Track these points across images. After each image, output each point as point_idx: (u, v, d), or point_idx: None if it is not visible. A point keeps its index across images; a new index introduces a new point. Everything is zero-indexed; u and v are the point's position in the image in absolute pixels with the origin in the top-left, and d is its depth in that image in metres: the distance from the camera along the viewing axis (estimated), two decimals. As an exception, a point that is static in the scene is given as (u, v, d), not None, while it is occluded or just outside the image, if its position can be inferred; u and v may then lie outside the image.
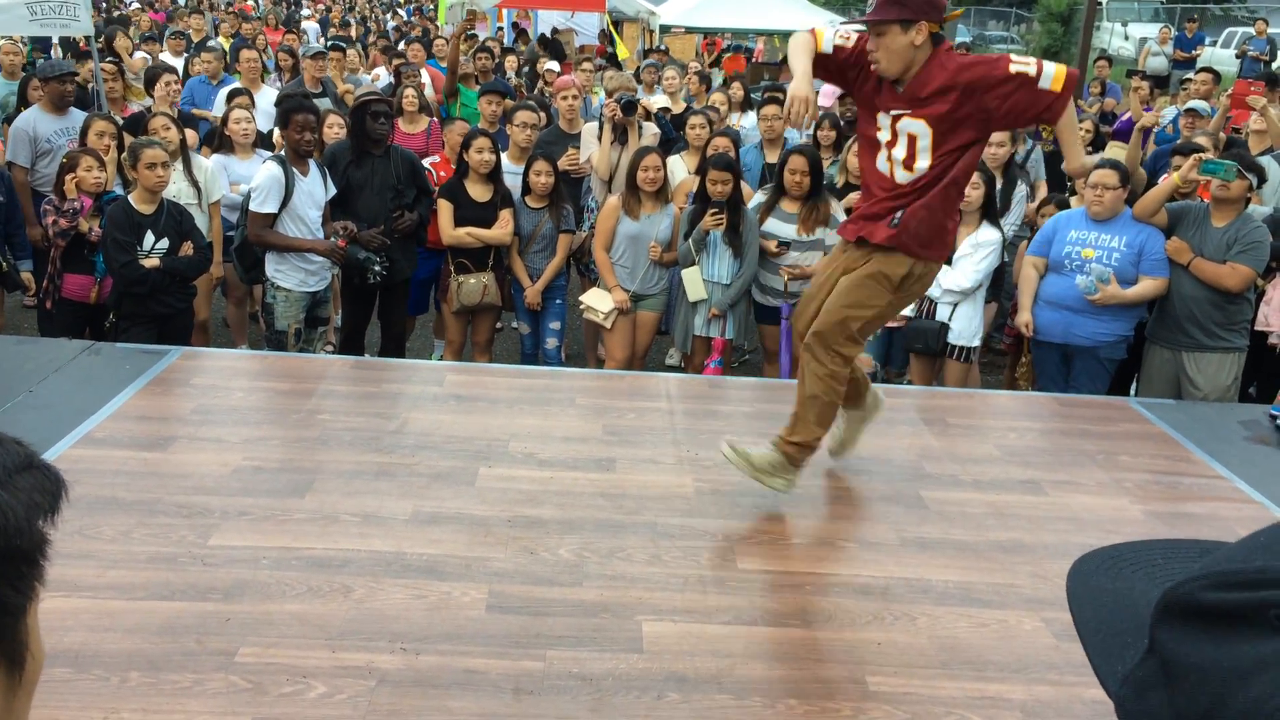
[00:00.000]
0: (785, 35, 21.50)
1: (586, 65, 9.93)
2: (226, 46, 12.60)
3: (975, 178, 5.58)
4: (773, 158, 6.88)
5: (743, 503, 3.81)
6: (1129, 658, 0.67)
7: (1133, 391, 5.74)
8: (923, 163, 3.46)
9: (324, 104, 7.60)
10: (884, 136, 3.52)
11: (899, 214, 3.49)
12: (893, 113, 3.48)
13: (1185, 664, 0.62)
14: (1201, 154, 5.50)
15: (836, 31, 3.60)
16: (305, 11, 25.57)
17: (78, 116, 7.00)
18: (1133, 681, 0.66)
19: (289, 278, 5.64)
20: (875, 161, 3.58)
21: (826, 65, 3.59)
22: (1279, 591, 0.60)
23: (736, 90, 8.98)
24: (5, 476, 0.81)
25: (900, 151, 3.49)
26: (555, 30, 18.79)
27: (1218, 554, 0.67)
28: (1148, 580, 0.72)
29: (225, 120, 6.81)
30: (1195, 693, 0.61)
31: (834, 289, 3.63)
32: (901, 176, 3.51)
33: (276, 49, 11.68)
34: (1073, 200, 6.42)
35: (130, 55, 10.84)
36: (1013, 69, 3.34)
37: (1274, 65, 16.08)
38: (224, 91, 8.38)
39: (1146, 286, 5.29)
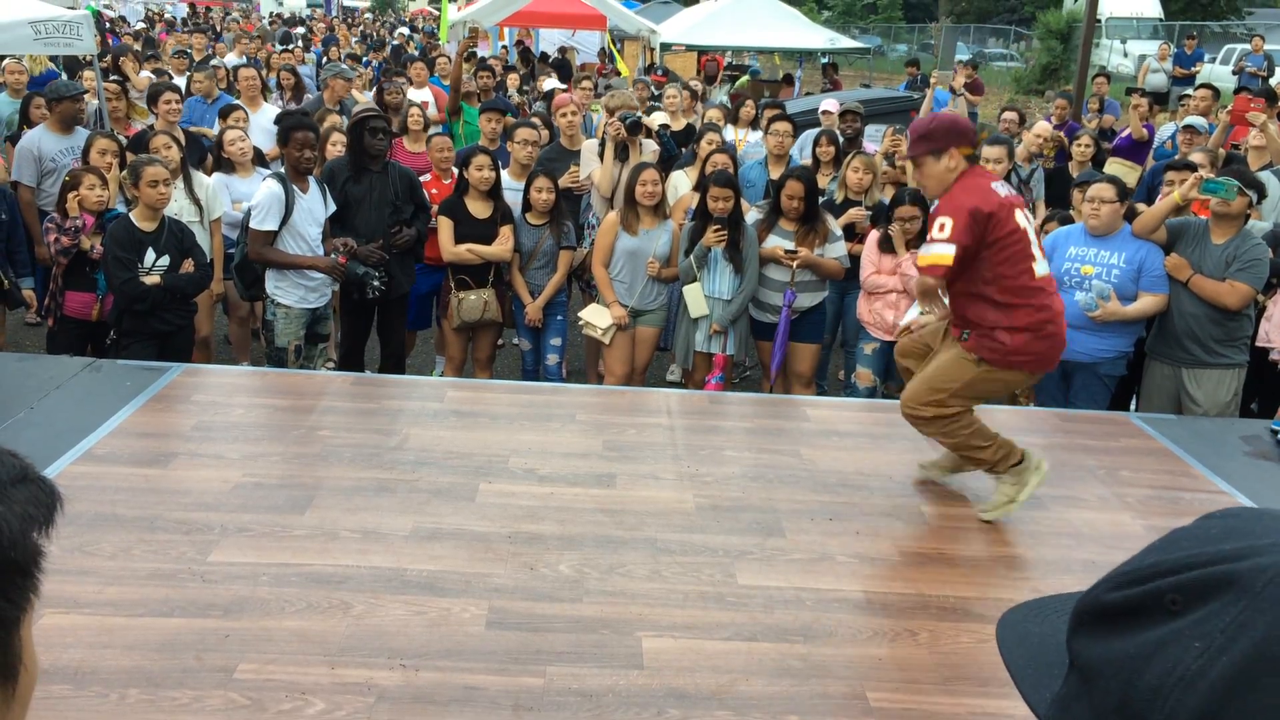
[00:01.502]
0: (785, 53, 21.60)
1: (586, 83, 9.98)
2: (238, 61, 12.63)
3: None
4: (778, 174, 6.90)
5: (743, 518, 3.81)
6: (1056, 682, 0.72)
7: (1133, 407, 5.74)
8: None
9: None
10: None
11: (966, 331, 3.83)
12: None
13: (1097, 663, 0.67)
14: (1200, 173, 5.51)
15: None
16: (300, 30, 25.69)
17: (83, 135, 7.03)
18: (1058, 700, 0.71)
19: (289, 294, 5.66)
20: None
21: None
22: (1171, 579, 0.65)
23: (748, 109, 9.02)
24: (0, 489, 0.81)
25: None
26: (563, 53, 18.89)
27: (1120, 564, 0.71)
28: (1062, 619, 0.77)
29: (220, 140, 6.83)
30: (1108, 686, 0.65)
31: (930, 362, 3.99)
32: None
33: (279, 68, 11.73)
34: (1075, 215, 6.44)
35: (136, 75, 10.88)
36: (932, 228, 3.65)
37: (1272, 81, 16.13)
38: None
39: (1146, 303, 5.29)
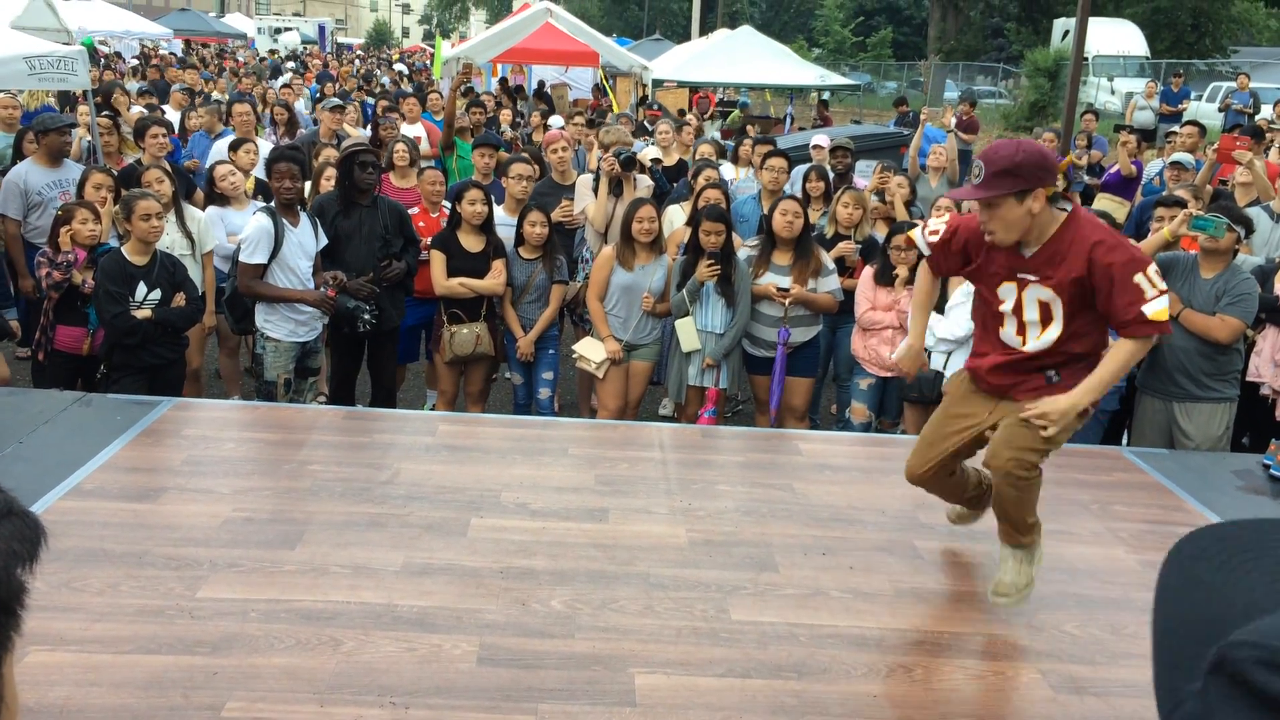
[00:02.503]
0: (776, 89, 21.80)
1: (578, 119, 10.04)
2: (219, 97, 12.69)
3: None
4: (772, 210, 6.94)
5: (736, 553, 3.79)
6: (1198, 675, 0.62)
7: (1124, 441, 5.74)
8: (1053, 332, 3.31)
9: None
10: (1008, 306, 3.37)
11: (1053, 372, 3.37)
12: (1020, 277, 3.31)
13: None
14: (1190, 209, 5.54)
15: (925, 229, 3.53)
16: (291, 65, 25.83)
17: (72, 169, 7.04)
18: (1182, 712, 0.62)
19: (279, 328, 5.65)
20: (999, 330, 3.43)
21: (938, 264, 3.58)
22: None
23: (747, 148, 9.08)
24: None
25: (1032, 314, 3.34)
26: (546, 85, 19.01)
27: None
28: (1258, 574, 0.64)
29: (211, 174, 6.84)
30: None
31: (997, 436, 3.41)
32: (1032, 345, 3.36)
33: (272, 104, 11.78)
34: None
35: (128, 110, 10.93)
36: (1137, 279, 3.12)
37: (1256, 118, 16.31)
38: (220, 143, 8.44)
39: (1137, 336, 5.30)
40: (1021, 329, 3.37)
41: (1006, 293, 3.36)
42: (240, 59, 30.65)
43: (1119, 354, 3.23)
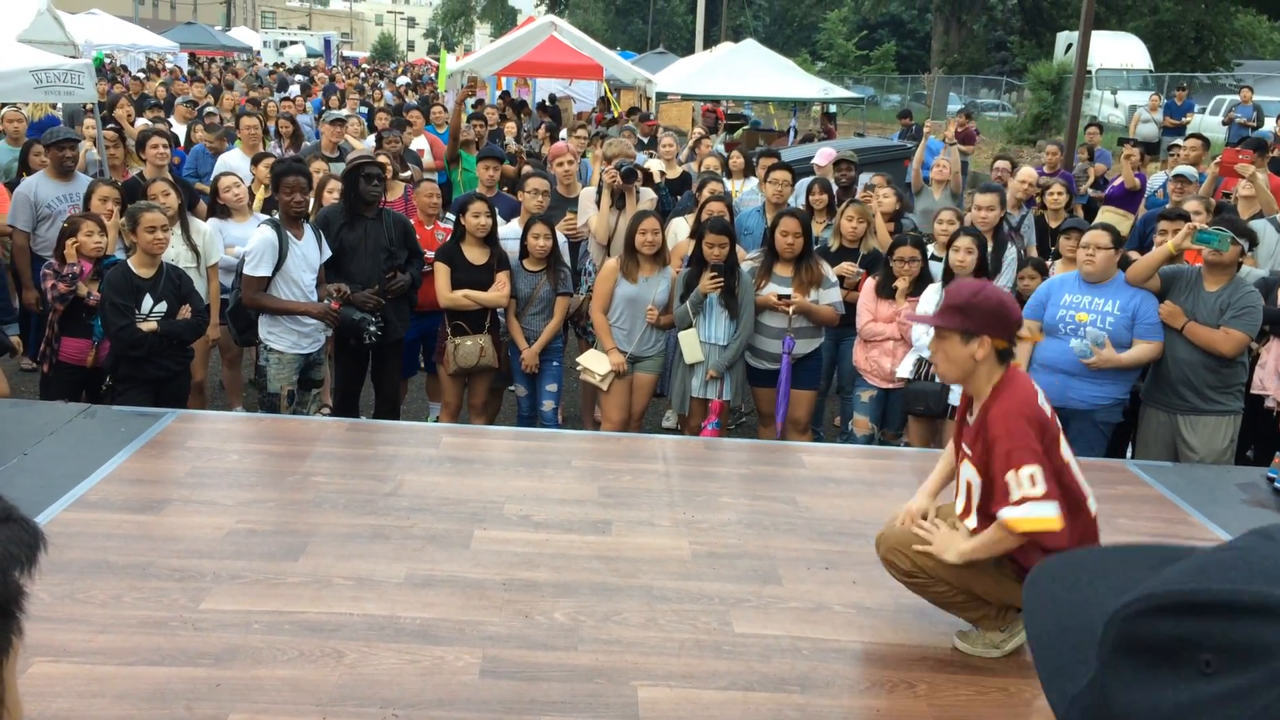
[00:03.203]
0: (779, 102, 21.86)
1: (582, 132, 10.08)
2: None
3: (968, 242, 5.64)
4: (776, 222, 6.94)
5: (739, 565, 3.78)
6: (1079, 676, 0.67)
7: (1129, 454, 5.73)
8: (972, 522, 3.16)
9: (338, 168, 7.62)
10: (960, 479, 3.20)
11: None
12: (961, 447, 3.19)
13: (1118, 708, 0.63)
14: (1194, 222, 5.55)
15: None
16: (299, 78, 25.90)
17: (82, 183, 7.07)
18: (1078, 708, 0.67)
19: (282, 340, 5.66)
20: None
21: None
22: (1208, 624, 0.61)
23: (736, 159, 9.09)
24: None
25: (961, 500, 3.20)
26: (555, 99, 19.08)
27: (1165, 572, 0.67)
28: (1105, 589, 0.71)
29: (215, 186, 6.86)
30: None
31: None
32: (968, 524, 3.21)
33: (277, 116, 11.83)
34: (1058, 264, 6.48)
35: (131, 123, 10.98)
36: (1007, 478, 2.93)
37: (1255, 132, 16.30)
38: (226, 156, 8.49)
39: (1141, 350, 5.31)
40: (966, 511, 3.19)
41: (961, 468, 3.19)
42: (242, 68, 30.82)
43: (989, 534, 3.03)
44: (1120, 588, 0.69)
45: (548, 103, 19.06)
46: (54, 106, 11.13)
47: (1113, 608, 0.65)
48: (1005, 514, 2.92)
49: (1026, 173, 8.41)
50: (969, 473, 3.14)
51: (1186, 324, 5.19)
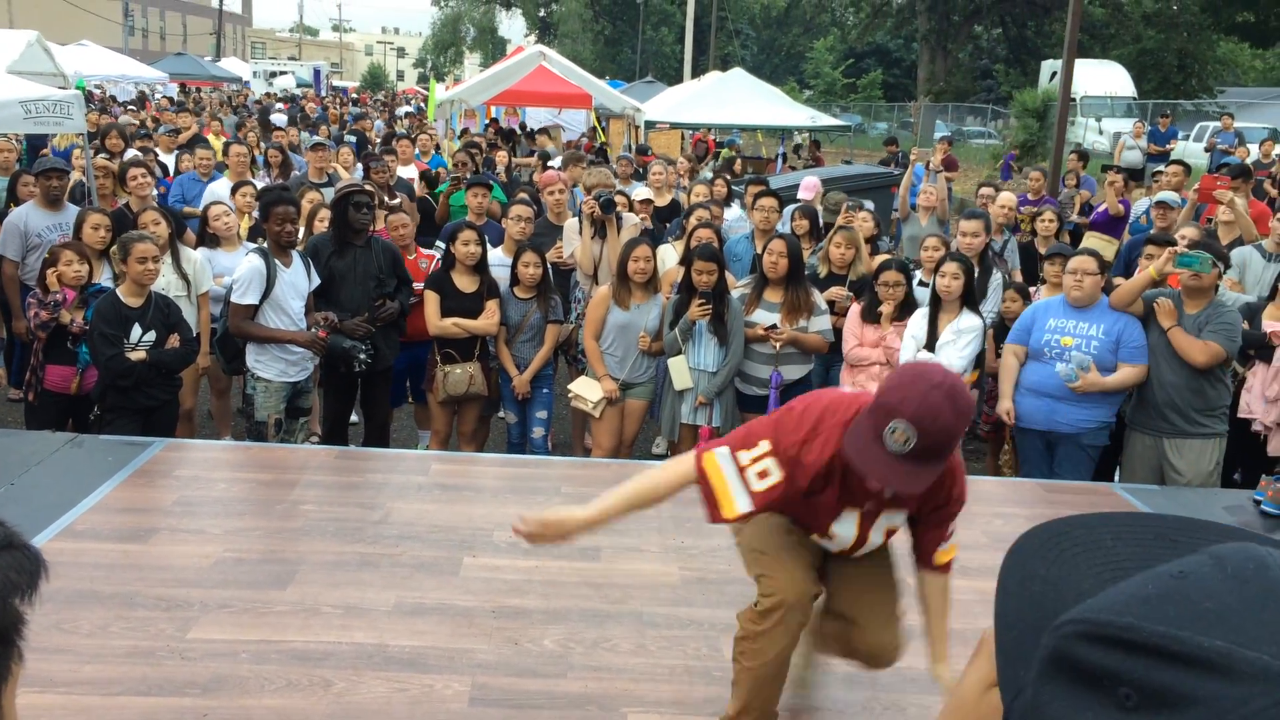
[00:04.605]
0: (768, 130, 22.00)
1: (582, 165, 10.13)
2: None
3: (954, 267, 5.68)
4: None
5: (729, 590, 3.78)
6: (1030, 669, 0.66)
7: (1116, 478, 5.76)
8: (877, 537, 3.02)
9: (328, 193, 7.62)
10: (841, 528, 2.95)
11: None
12: (867, 509, 2.91)
13: None
14: (1177, 247, 5.61)
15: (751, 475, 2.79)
16: (279, 108, 25.91)
17: (70, 212, 7.08)
18: (1016, 710, 0.67)
19: (269, 368, 5.66)
20: (809, 535, 3.04)
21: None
22: (1134, 663, 0.60)
23: (720, 186, 9.16)
24: None
25: (877, 536, 3.01)
26: (531, 128, 19.16)
27: (1111, 591, 0.65)
28: (1086, 567, 0.70)
29: (205, 215, 6.88)
30: None
31: None
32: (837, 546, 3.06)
33: (265, 146, 11.87)
34: (1043, 289, 6.54)
35: (121, 153, 11.00)
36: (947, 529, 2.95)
37: (1247, 157, 16.47)
38: (215, 185, 8.51)
39: (1126, 374, 5.35)
40: (856, 546, 3.03)
41: (847, 517, 2.93)
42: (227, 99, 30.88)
43: (947, 592, 3.05)
44: (1100, 570, 0.68)
45: (546, 131, 19.15)
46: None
47: (1067, 611, 0.64)
48: (945, 551, 2.91)
49: (1006, 198, 8.50)
50: (893, 520, 2.95)
51: (1172, 328, 5.24)
